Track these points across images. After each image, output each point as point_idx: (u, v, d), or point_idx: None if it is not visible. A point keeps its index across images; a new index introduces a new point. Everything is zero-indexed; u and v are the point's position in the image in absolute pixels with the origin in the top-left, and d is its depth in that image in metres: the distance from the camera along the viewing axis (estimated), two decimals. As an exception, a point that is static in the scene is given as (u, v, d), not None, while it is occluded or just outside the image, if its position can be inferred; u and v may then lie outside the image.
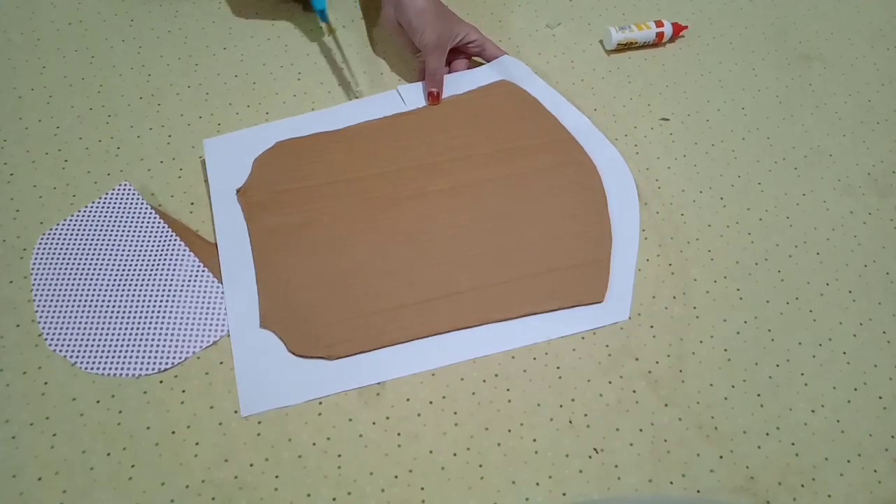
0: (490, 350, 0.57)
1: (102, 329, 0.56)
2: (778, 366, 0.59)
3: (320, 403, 0.54)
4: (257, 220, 0.62)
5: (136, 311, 0.57)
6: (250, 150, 0.66)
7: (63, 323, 0.56)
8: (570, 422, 0.55)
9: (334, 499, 0.51)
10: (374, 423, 0.54)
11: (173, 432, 0.52)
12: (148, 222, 0.61)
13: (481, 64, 0.74)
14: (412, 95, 0.70)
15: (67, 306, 0.56)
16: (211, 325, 0.57)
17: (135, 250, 0.60)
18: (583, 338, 0.59)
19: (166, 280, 0.58)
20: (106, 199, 0.62)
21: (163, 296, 0.58)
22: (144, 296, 0.58)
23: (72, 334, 0.55)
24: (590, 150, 0.69)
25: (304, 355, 0.56)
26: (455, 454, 0.53)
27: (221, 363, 0.55)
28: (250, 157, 0.65)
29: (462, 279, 0.60)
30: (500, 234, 0.63)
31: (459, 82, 0.72)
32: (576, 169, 0.67)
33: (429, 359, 0.57)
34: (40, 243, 0.59)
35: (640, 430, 0.55)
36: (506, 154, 0.67)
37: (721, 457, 0.55)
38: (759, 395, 0.58)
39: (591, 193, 0.66)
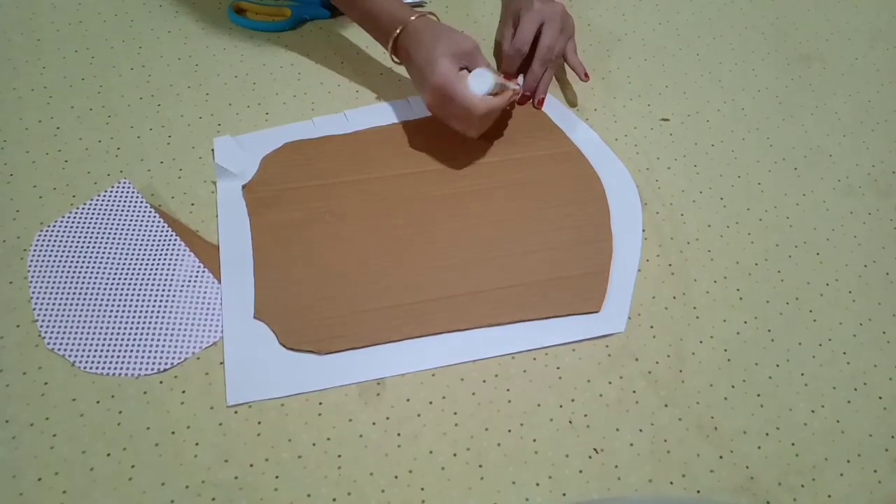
0: (484, 354, 0.57)
1: (102, 329, 0.56)
2: (778, 366, 0.59)
3: (320, 404, 0.54)
4: (260, 215, 0.62)
5: (135, 311, 0.57)
6: (259, 150, 0.66)
7: (63, 323, 0.56)
8: (570, 422, 0.55)
9: (334, 499, 0.51)
10: (374, 424, 0.54)
11: (173, 432, 0.52)
12: (147, 220, 0.61)
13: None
14: (421, 105, 0.71)
15: (66, 305, 0.56)
16: (211, 325, 0.57)
17: (134, 249, 0.60)
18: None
19: (166, 280, 0.58)
20: (104, 196, 0.62)
21: (163, 296, 0.58)
22: (144, 295, 0.58)
23: (72, 334, 0.55)
24: (597, 164, 0.69)
25: (294, 348, 0.56)
26: (455, 454, 0.53)
27: (221, 363, 0.55)
28: (258, 157, 0.66)
29: (459, 283, 0.60)
30: (500, 241, 0.63)
31: None
32: (580, 181, 0.67)
33: (420, 359, 0.57)
34: (37, 240, 0.59)
35: (640, 430, 0.55)
36: (511, 164, 0.68)
37: (721, 457, 0.55)
38: (759, 395, 0.58)
39: (594, 206, 0.66)
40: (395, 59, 0.67)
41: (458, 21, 0.79)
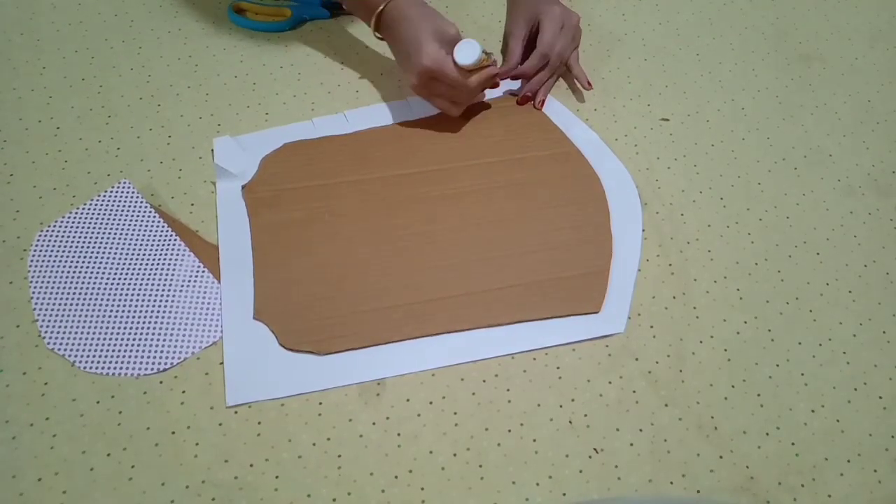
0: (484, 354, 0.57)
1: (102, 329, 0.56)
2: (778, 366, 0.59)
3: (320, 404, 0.54)
4: (260, 215, 0.62)
5: (135, 311, 0.57)
6: (259, 151, 0.66)
7: (63, 323, 0.56)
8: (570, 422, 0.55)
9: (334, 499, 0.51)
10: (374, 424, 0.54)
11: (173, 432, 0.52)
12: (147, 220, 0.61)
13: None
14: (420, 105, 0.71)
15: (66, 305, 0.56)
16: (210, 325, 0.57)
17: (134, 249, 0.60)
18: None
19: (166, 280, 0.58)
20: (105, 196, 0.62)
21: (162, 296, 0.58)
22: (144, 295, 0.58)
23: (72, 334, 0.55)
24: (596, 164, 0.69)
25: (293, 349, 0.56)
26: (455, 454, 0.53)
27: (221, 363, 0.55)
28: (257, 157, 0.66)
29: (459, 283, 0.60)
30: (499, 241, 0.63)
31: None
32: (579, 181, 0.67)
33: (420, 360, 0.57)
34: (38, 240, 0.59)
35: (640, 430, 0.55)
36: (510, 164, 0.68)
37: (721, 457, 0.55)
38: (759, 395, 0.58)
39: (594, 206, 0.66)
40: (378, 35, 0.67)
41: (458, 21, 0.79)
